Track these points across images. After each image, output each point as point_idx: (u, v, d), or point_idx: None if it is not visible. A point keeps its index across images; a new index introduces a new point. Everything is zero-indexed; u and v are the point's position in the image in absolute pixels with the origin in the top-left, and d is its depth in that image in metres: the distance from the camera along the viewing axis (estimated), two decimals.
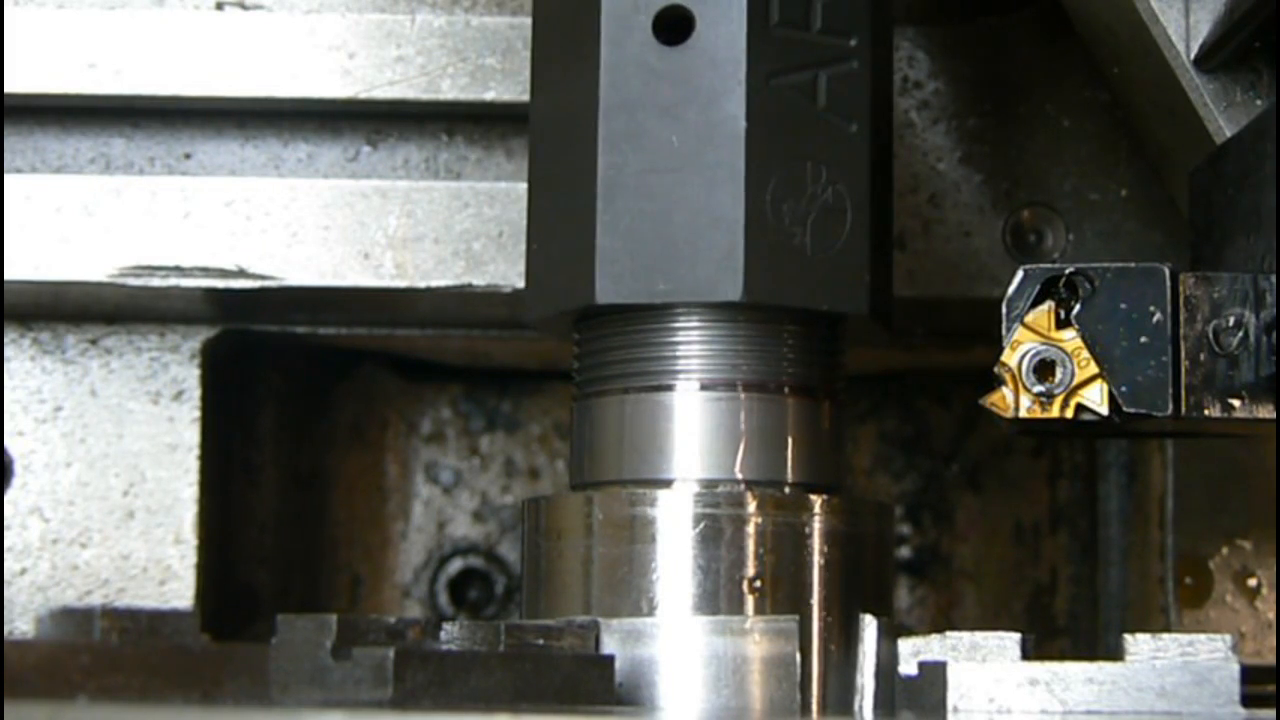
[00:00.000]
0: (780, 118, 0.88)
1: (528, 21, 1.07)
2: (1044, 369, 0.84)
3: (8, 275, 1.07)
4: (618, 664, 0.86)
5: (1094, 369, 0.83)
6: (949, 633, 0.84)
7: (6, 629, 1.11)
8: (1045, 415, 0.84)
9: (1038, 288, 0.85)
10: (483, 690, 0.78)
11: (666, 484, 0.89)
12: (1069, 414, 0.84)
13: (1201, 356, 0.83)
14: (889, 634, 0.88)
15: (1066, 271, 0.84)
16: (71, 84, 1.08)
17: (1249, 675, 0.81)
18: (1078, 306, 0.84)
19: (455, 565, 1.27)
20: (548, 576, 0.91)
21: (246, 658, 0.74)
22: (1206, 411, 0.83)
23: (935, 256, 1.09)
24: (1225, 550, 1.13)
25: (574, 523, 0.90)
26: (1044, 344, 0.84)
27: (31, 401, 1.13)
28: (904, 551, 1.26)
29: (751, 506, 0.88)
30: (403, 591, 1.26)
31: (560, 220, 0.90)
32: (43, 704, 0.68)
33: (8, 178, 1.08)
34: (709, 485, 0.89)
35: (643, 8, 0.88)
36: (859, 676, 0.89)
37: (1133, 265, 0.84)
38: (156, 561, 1.13)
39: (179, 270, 1.08)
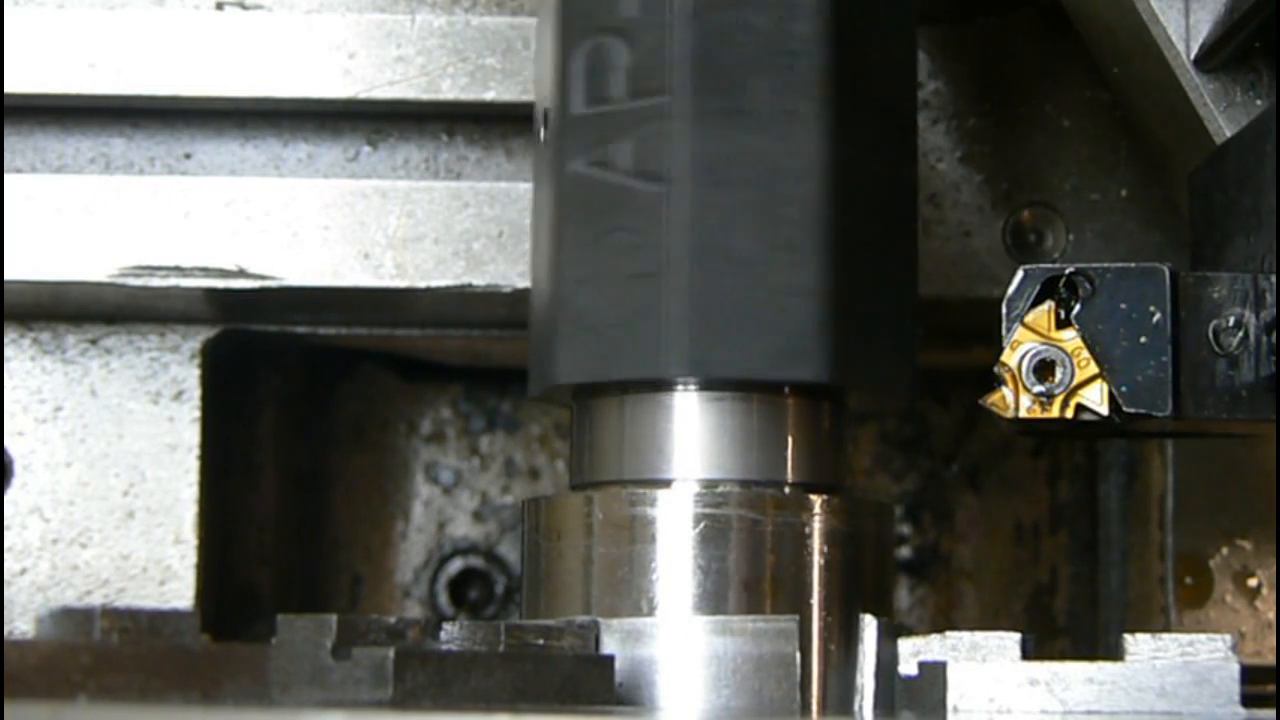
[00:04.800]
0: (584, 198, 0.89)
1: (528, 21, 1.07)
2: (1044, 369, 0.84)
3: (8, 275, 1.07)
4: (618, 664, 0.86)
5: (1094, 369, 0.83)
6: (949, 633, 0.84)
7: (6, 629, 1.11)
8: (1045, 415, 0.84)
9: (1038, 288, 0.85)
10: (483, 690, 0.78)
11: (666, 484, 0.89)
12: (1069, 414, 0.84)
13: (1201, 356, 0.83)
14: (889, 634, 0.88)
15: (1066, 271, 0.84)
16: (71, 84, 1.08)
17: (1249, 675, 0.81)
18: (1078, 306, 0.84)
19: (455, 565, 1.27)
20: (548, 576, 0.91)
21: (246, 658, 0.74)
22: (1206, 411, 0.83)
23: (935, 256, 1.09)
24: (1225, 550, 1.13)
25: (574, 523, 0.90)
26: (1044, 344, 0.84)
27: (31, 401, 1.13)
28: (904, 551, 1.26)
29: (751, 507, 0.88)
30: (403, 591, 1.26)
31: None
32: (43, 704, 0.68)
33: (8, 178, 1.08)
34: (709, 485, 0.89)
35: None
36: (859, 676, 0.89)
37: (1133, 265, 0.84)
38: (156, 561, 1.13)
39: (179, 270, 1.08)
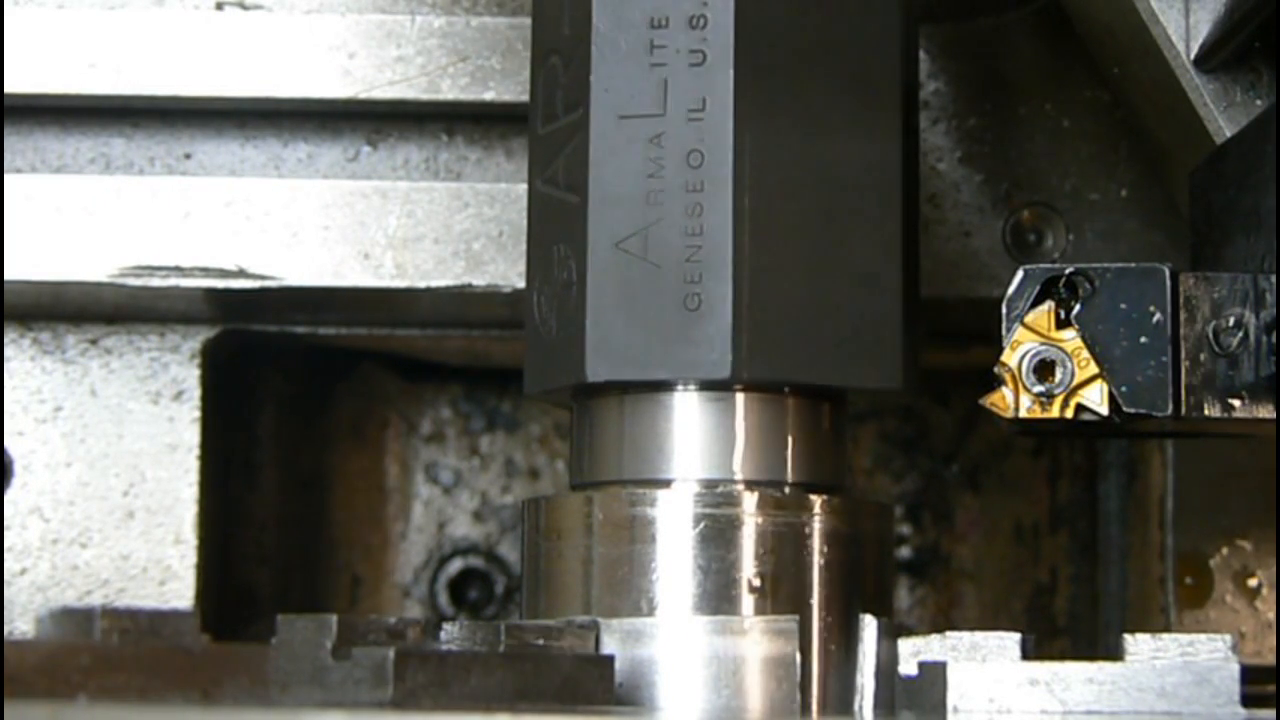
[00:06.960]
0: (540, 214, 0.91)
1: (528, 21, 1.07)
2: (1044, 369, 0.84)
3: (8, 275, 1.07)
4: (618, 664, 0.86)
5: (1094, 369, 0.83)
6: (949, 633, 0.84)
7: (6, 629, 1.11)
8: (1045, 415, 0.84)
9: (1038, 288, 0.85)
10: (483, 690, 0.78)
11: (666, 484, 0.89)
12: (1069, 414, 0.84)
13: (1201, 356, 0.83)
14: (889, 634, 0.88)
15: (1066, 271, 0.84)
16: (71, 84, 1.08)
17: (1249, 675, 0.81)
18: (1078, 306, 0.84)
19: (455, 565, 1.27)
20: (548, 576, 0.91)
21: (246, 658, 0.74)
22: (1206, 411, 0.83)
23: (935, 256, 1.09)
24: (1225, 550, 1.13)
25: (574, 523, 0.90)
26: (1044, 344, 0.84)
27: (31, 401, 1.13)
28: (904, 551, 1.26)
29: (751, 506, 0.88)
30: (403, 591, 1.26)
31: None
32: (43, 704, 0.68)
33: (8, 178, 1.08)
34: (709, 485, 0.89)
35: None
36: (859, 676, 0.89)
37: (1133, 265, 0.84)
38: (156, 561, 1.13)
39: (179, 270, 1.08)
